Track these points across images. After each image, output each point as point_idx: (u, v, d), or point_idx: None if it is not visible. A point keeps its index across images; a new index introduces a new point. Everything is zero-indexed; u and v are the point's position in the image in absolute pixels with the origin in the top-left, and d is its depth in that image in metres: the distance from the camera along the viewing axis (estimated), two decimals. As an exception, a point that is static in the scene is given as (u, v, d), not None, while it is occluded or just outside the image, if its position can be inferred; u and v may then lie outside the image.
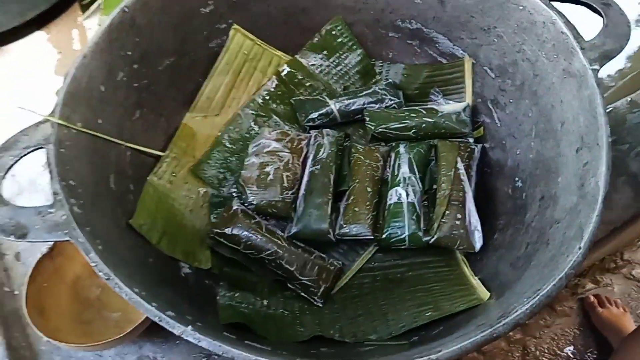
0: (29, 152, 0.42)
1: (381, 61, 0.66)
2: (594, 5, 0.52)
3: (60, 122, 0.42)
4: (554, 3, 0.52)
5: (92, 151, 0.46)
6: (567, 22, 0.50)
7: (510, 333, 1.25)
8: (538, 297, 0.35)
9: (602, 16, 0.51)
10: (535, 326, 1.28)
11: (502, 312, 0.36)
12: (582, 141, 0.45)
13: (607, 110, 0.75)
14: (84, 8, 0.77)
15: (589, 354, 1.23)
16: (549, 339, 1.27)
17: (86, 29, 0.78)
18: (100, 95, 0.48)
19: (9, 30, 0.74)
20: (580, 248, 0.37)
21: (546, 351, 1.25)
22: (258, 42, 0.62)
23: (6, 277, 0.57)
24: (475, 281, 0.48)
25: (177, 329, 0.34)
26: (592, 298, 1.24)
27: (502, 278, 0.46)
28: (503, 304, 0.40)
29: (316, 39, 0.64)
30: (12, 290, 0.56)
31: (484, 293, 0.45)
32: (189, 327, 0.34)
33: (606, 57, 0.48)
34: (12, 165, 0.41)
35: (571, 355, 1.24)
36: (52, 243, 0.52)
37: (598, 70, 0.47)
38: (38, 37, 0.77)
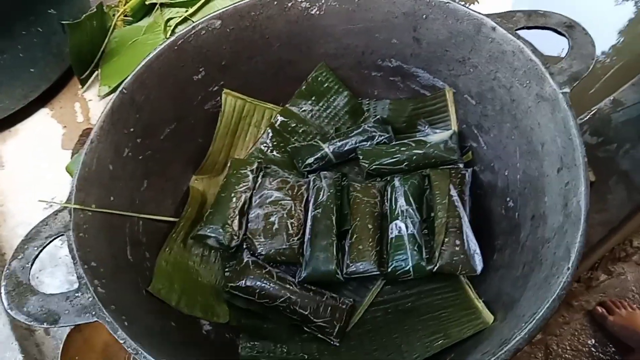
0: (51, 241, 0.45)
1: (367, 99, 0.70)
2: (559, 30, 0.55)
3: (77, 207, 0.46)
4: (521, 32, 0.56)
5: (108, 228, 0.50)
6: (534, 50, 0.53)
7: (532, 335, 1.27)
8: (534, 321, 0.38)
9: (567, 38, 0.55)
10: (555, 324, 1.29)
11: (504, 338, 0.39)
12: (562, 161, 0.48)
13: (596, 116, 0.78)
14: (83, 81, 0.82)
15: (610, 346, 1.24)
16: (570, 335, 1.28)
17: (87, 100, 0.82)
18: (109, 174, 0.52)
19: (14, 113, 0.78)
20: (568, 269, 0.40)
21: (568, 348, 1.26)
22: (249, 100, 0.66)
23: (38, 352, 0.60)
24: (480, 304, 0.50)
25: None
26: (599, 309, 1.25)
27: (504, 298, 0.49)
28: (506, 327, 0.43)
29: (304, 86, 0.68)
30: (46, 364, 0.59)
31: (488, 317, 0.48)
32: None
33: (575, 79, 0.51)
34: (37, 255, 0.44)
35: (593, 349, 1.25)
36: (64, 340, 0.55)
37: (568, 93, 0.50)
38: (42, 115, 0.81)
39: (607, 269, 1.36)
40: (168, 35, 0.81)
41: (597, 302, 1.30)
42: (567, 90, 0.50)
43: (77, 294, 0.42)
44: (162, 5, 0.85)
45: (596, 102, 0.82)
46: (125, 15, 0.86)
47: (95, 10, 0.78)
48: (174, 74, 0.59)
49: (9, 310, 0.41)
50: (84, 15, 0.77)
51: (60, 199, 0.70)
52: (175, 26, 0.83)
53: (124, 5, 0.86)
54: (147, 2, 0.85)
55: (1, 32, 0.66)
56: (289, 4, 0.61)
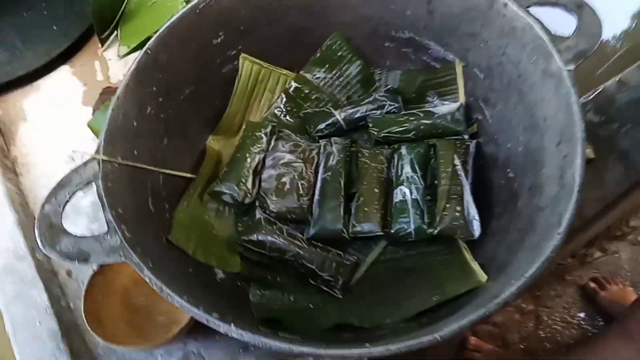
0: (80, 188, 0.49)
1: (379, 69, 0.72)
2: (568, 8, 0.57)
3: (105, 158, 0.49)
4: (531, 8, 0.58)
5: (132, 180, 0.53)
6: (543, 27, 0.55)
7: (523, 305, 1.32)
8: (523, 279, 0.41)
9: (576, 17, 0.57)
10: (547, 296, 1.34)
11: (495, 294, 0.43)
12: (562, 136, 0.51)
13: (600, 96, 0.81)
14: (103, 41, 0.84)
15: (599, 319, 1.29)
16: (561, 307, 1.33)
17: (106, 59, 0.85)
18: (134, 130, 0.55)
19: (36, 69, 0.81)
20: (559, 234, 0.43)
21: (558, 319, 1.31)
22: (265, 65, 0.68)
23: (61, 293, 0.65)
24: (475, 266, 0.54)
25: (222, 327, 0.41)
26: (591, 284, 1.29)
27: (498, 262, 0.52)
28: (497, 286, 0.46)
29: (318, 54, 0.70)
30: (68, 304, 0.64)
31: (482, 276, 0.51)
32: (232, 326, 0.41)
33: (581, 56, 0.54)
34: (68, 200, 0.48)
35: (582, 322, 1.30)
36: (88, 281, 0.59)
37: (573, 70, 0.52)
38: (63, 72, 0.84)
39: (602, 247, 1.40)
40: (186, -1, 0.83)
41: (590, 278, 1.34)
42: (572, 67, 0.52)
43: (106, 236, 0.45)
44: (182, -33, 0.86)
45: (602, 82, 0.84)
46: (144, -24, 0.87)
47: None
48: (195, 36, 0.62)
49: (42, 249, 0.45)
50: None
51: (82, 153, 0.74)
52: (194, -11, 0.84)
53: (143, -34, 0.87)
54: (167, -36, 0.86)
55: (27, -12, 0.68)
56: (308, -27, 0.63)
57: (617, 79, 0.84)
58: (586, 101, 0.81)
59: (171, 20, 0.58)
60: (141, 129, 0.57)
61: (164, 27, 0.57)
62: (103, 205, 0.47)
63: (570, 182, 0.46)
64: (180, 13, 0.59)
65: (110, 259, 0.45)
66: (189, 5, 0.59)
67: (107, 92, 0.79)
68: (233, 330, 0.41)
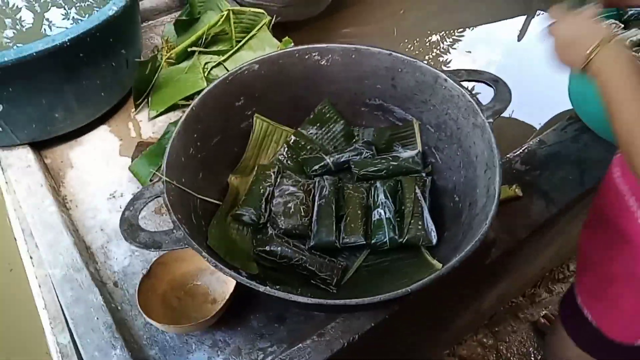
0: (150, 200, 0.67)
1: (358, 127, 0.96)
2: (488, 82, 0.83)
3: (168, 180, 0.69)
4: (463, 82, 0.83)
5: (182, 198, 0.72)
6: (472, 94, 0.80)
7: (484, 340, 1.50)
8: (464, 252, 0.62)
9: (493, 88, 0.82)
10: (505, 332, 1.53)
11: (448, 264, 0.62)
12: (487, 165, 0.74)
13: (525, 151, 1.05)
14: (137, 106, 1.06)
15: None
16: (517, 342, 1.51)
17: (138, 121, 1.06)
18: (182, 164, 0.75)
19: (83, 126, 1.01)
20: (486, 224, 0.64)
21: (516, 352, 1.49)
22: (272, 124, 0.91)
23: (110, 298, 0.80)
24: (434, 261, 0.74)
25: (261, 288, 0.59)
26: (542, 320, 1.49)
27: (449, 257, 0.73)
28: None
29: (312, 115, 0.94)
30: (116, 306, 0.79)
31: (438, 265, 0.71)
32: (267, 287, 0.59)
33: (497, 114, 0.78)
34: (143, 207, 0.66)
35: (536, 353, 1.48)
36: (149, 268, 0.76)
37: (492, 122, 0.76)
38: (102, 131, 1.04)
39: (548, 288, 1.62)
40: (206, 75, 1.06)
41: (541, 315, 1.54)
42: (491, 120, 0.76)
43: (172, 231, 0.64)
44: (200, 52, 1.11)
45: (527, 142, 1.10)
46: (169, 58, 1.11)
47: (154, 53, 1.03)
48: (223, 99, 0.84)
49: (127, 241, 0.63)
50: (146, 56, 1.01)
51: (121, 192, 0.93)
52: (211, 69, 1.09)
53: (168, 51, 1.12)
54: (189, 50, 1.10)
55: (91, 64, 0.90)
56: (306, 57, 0.88)
57: (537, 139, 1.10)
58: (515, 155, 1.06)
59: (209, 87, 0.80)
60: (186, 164, 0.76)
61: (205, 91, 0.79)
62: (169, 210, 0.66)
63: (493, 192, 0.68)
64: (216, 82, 0.81)
65: (178, 247, 0.63)
66: (222, 76, 0.82)
67: (141, 144, 0.99)
68: (269, 289, 0.59)
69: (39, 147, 1.00)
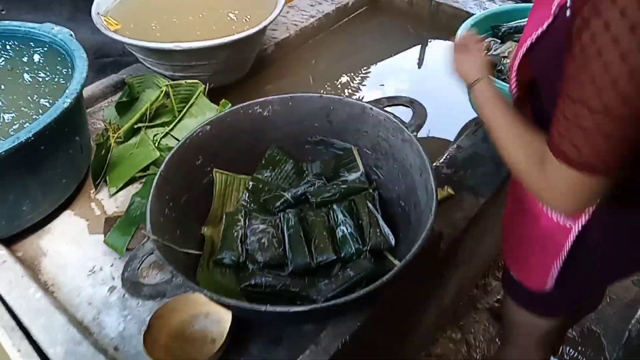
0: (145, 258, 0.75)
1: (305, 163, 1.09)
2: (406, 104, 0.99)
3: (155, 238, 0.77)
4: (387, 108, 0.99)
5: (170, 253, 0.80)
6: (395, 116, 0.95)
7: (453, 335, 1.63)
8: (420, 241, 0.74)
9: (412, 109, 0.99)
10: (469, 324, 1.67)
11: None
12: (420, 170, 0.89)
13: (448, 157, 1.22)
14: (96, 186, 1.12)
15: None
16: (481, 330, 1.66)
17: (99, 200, 1.12)
18: (161, 224, 0.83)
19: (49, 215, 1.06)
20: (431, 216, 0.78)
21: (482, 339, 1.63)
22: (230, 174, 1.01)
23: (113, 364, 0.84)
24: (395, 261, 0.87)
25: (262, 307, 0.68)
26: (496, 305, 1.68)
27: (407, 252, 0.85)
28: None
29: (263, 161, 1.05)
30: (121, 370, 0.84)
31: (397, 262, 0.84)
32: (267, 306, 0.68)
33: (419, 128, 0.94)
34: (140, 265, 0.74)
35: (499, 334, 1.62)
36: (148, 324, 0.82)
37: (416, 135, 0.92)
38: (67, 216, 1.09)
39: (495, 275, 1.79)
40: (157, 146, 1.16)
41: (494, 301, 1.70)
42: (416, 133, 0.92)
43: (172, 280, 0.72)
44: (147, 127, 1.20)
45: (448, 150, 1.28)
46: (118, 138, 1.19)
47: (106, 135, 1.12)
48: (185, 160, 0.94)
49: (131, 297, 0.70)
50: (94, 140, 1.09)
51: (100, 266, 0.98)
52: (160, 139, 1.18)
53: (115, 132, 1.20)
54: (135, 127, 1.19)
55: (51, 154, 0.97)
56: (249, 111, 1.01)
57: (455, 145, 1.28)
58: (440, 162, 1.23)
59: (171, 152, 0.90)
60: (163, 224, 0.85)
61: (169, 156, 0.89)
62: (164, 263, 0.73)
63: (431, 190, 0.83)
64: (175, 147, 0.91)
65: (180, 291, 0.71)
66: (180, 141, 0.92)
67: (110, 219, 1.05)
68: (268, 308, 0.68)
69: (8, 243, 1.03)
